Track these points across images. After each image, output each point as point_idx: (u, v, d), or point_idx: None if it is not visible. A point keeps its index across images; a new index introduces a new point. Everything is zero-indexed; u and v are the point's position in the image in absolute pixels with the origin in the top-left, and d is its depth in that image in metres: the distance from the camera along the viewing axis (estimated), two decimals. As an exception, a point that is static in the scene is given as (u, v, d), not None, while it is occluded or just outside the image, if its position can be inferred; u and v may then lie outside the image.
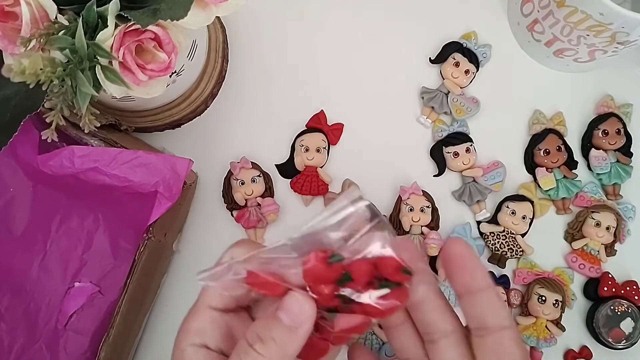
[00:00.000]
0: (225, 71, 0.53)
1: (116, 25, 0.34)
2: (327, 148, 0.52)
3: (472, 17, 0.56)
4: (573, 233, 0.53)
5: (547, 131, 0.53)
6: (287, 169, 0.53)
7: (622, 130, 0.53)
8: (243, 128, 0.53)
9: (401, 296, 0.29)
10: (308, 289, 0.28)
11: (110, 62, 0.34)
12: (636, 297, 0.51)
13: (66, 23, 0.33)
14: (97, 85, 0.34)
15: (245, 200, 0.51)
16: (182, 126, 0.52)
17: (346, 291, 0.28)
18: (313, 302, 0.28)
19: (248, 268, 0.29)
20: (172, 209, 0.43)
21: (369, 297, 0.28)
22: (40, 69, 0.31)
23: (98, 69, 0.34)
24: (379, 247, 0.29)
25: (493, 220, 0.52)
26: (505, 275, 0.52)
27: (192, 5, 0.34)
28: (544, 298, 0.50)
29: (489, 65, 0.55)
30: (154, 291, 0.50)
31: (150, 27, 0.34)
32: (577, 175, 0.53)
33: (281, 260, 0.28)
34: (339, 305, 0.29)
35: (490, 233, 0.52)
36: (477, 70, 0.54)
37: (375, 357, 0.36)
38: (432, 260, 0.51)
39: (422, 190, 0.52)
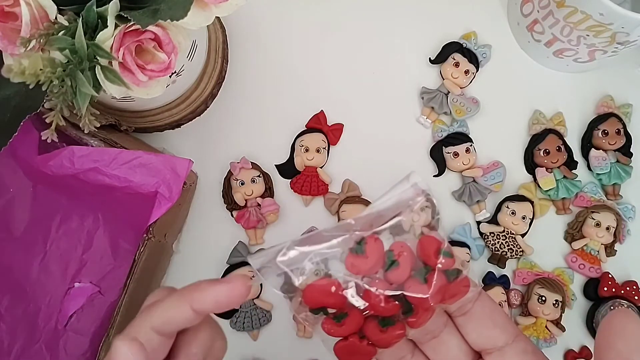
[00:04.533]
0: (225, 71, 0.53)
1: (116, 26, 0.34)
2: (327, 148, 0.52)
3: (472, 17, 0.56)
4: (573, 233, 0.53)
5: (547, 131, 0.53)
6: (287, 169, 0.53)
7: (622, 131, 0.53)
8: (243, 128, 0.53)
9: (462, 284, 0.29)
10: (365, 285, 0.29)
11: (110, 63, 0.34)
12: (636, 297, 0.51)
13: (66, 23, 0.33)
14: (97, 86, 0.34)
15: (245, 200, 0.51)
16: (182, 126, 0.52)
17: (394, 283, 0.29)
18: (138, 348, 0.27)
19: (303, 249, 0.29)
20: (172, 210, 0.43)
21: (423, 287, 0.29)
22: (40, 70, 0.31)
23: (98, 70, 0.34)
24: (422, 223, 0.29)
25: (493, 220, 0.52)
26: (505, 276, 0.52)
27: (192, 5, 0.34)
28: (544, 298, 0.50)
29: (489, 66, 0.55)
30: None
31: (150, 28, 0.34)
32: (577, 176, 0.53)
33: (338, 241, 0.29)
34: (392, 308, 0.29)
35: (490, 233, 0.52)
36: (477, 71, 0.54)
37: None
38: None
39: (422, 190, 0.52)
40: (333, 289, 0.29)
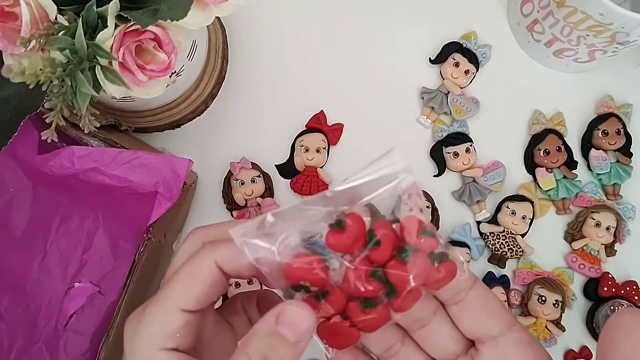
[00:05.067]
0: (225, 71, 0.53)
1: (116, 26, 0.34)
2: (327, 148, 0.52)
3: (472, 17, 0.56)
4: (573, 233, 0.53)
5: (547, 131, 0.53)
6: (287, 169, 0.53)
7: (622, 131, 0.53)
8: (243, 128, 0.53)
9: (448, 268, 0.29)
10: (345, 262, 0.28)
11: (110, 63, 0.34)
12: (636, 297, 0.51)
13: (66, 23, 0.33)
14: (97, 86, 0.34)
15: (245, 200, 0.51)
16: (182, 126, 0.52)
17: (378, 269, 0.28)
18: (312, 310, 0.27)
19: (283, 220, 0.28)
20: (172, 209, 0.43)
21: (408, 269, 0.28)
22: (40, 70, 0.31)
23: (98, 70, 0.34)
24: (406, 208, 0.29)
25: (493, 220, 0.52)
26: (505, 276, 0.52)
27: (192, 5, 0.34)
28: (544, 298, 0.50)
29: (489, 66, 0.55)
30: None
31: (150, 28, 0.34)
32: (577, 176, 0.53)
33: (315, 214, 0.28)
34: (375, 286, 0.28)
35: (490, 233, 0.52)
36: (477, 71, 0.54)
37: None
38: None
39: (422, 191, 0.52)
40: (314, 264, 0.28)
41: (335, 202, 0.29)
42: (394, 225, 0.29)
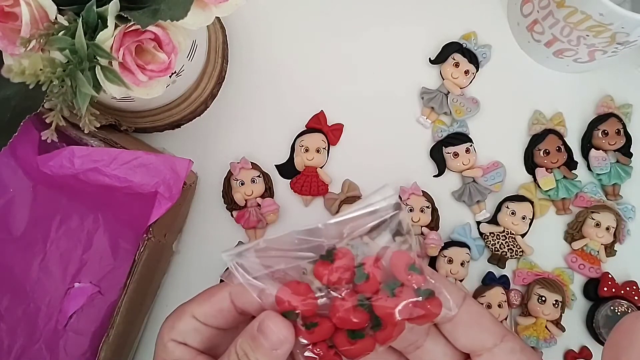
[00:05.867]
0: (225, 71, 0.53)
1: (116, 26, 0.34)
2: (327, 148, 0.52)
3: (472, 17, 0.56)
4: (573, 233, 0.53)
5: (547, 131, 0.53)
6: (287, 169, 0.53)
7: (621, 131, 0.53)
8: (243, 128, 0.53)
9: (433, 304, 0.30)
10: (333, 293, 0.29)
11: (110, 63, 0.34)
12: (636, 298, 0.51)
13: (66, 23, 0.33)
14: (97, 86, 0.34)
15: (245, 200, 0.51)
16: (182, 127, 0.52)
17: (369, 297, 0.29)
18: (291, 325, 0.29)
19: (272, 246, 0.29)
20: (172, 210, 0.43)
21: (395, 305, 0.29)
22: (40, 70, 0.31)
23: (98, 70, 0.34)
24: (392, 242, 0.30)
25: (493, 220, 0.52)
26: (505, 276, 0.52)
27: (192, 5, 0.34)
28: (544, 298, 0.50)
29: (489, 66, 0.55)
30: (154, 291, 0.50)
31: (150, 28, 0.34)
32: (577, 176, 0.53)
33: (308, 244, 0.29)
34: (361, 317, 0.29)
35: (490, 233, 0.52)
36: (477, 71, 0.54)
37: None
38: (432, 261, 0.52)
39: (422, 191, 0.52)
40: (303, 292, 0.29)
41: (328, 234, 0.30)
42: (382, 261, 0.30)
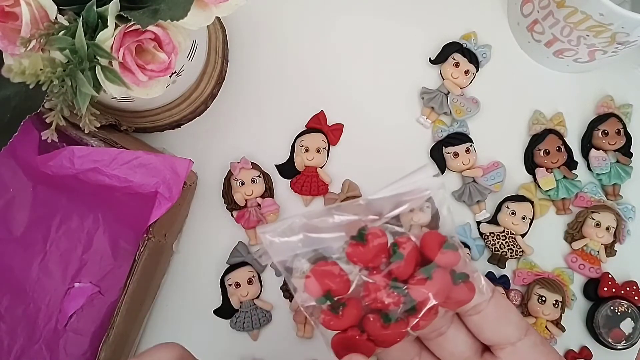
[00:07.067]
0: (225, 71, 0.53)
1: (116, 26, 0.34)
2: (327, 148, 0.52)
3: (472, 17, 0.56)
4: (573, 233, 0.53)
5: (547, 131, 0.53)
6: (287, 169, 0.53)
7: (622, 131, 0.53)
8: (243, 128, 0.53)
9: (468, 289, 0.29)
10: (363, 275, 0.28)
11: (110, 63, 0.34)
12: (636, 298, 0.51)
13: (66, 23, 0.33)
14: (97, 86, 0.34)
15: (245, 200, 0.51)
16: (182, 126, 0.52)
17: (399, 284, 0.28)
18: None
19: (311, 222, 0.28)
20: (172, 210, 0.43)
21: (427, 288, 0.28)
22: (40, 70, 0.31)
23: (98, 70, 0.34)
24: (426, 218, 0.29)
25: (493, 220, 0.52)
26: (505, 276, 0.52)
27: (192, 5, 0.34)
28: (544, 298, 0.50)
29: (489, 66, 0.55)
30: (154, 291, 0.50)
31: (150, 28, 0.34)
32: (577, 176, 0.53)
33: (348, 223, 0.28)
34: (393, 299, 0.28)
35: (490, 233, 0.52)
36: (477, 71, 0.54)
37: None
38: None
39: (422, 191, 0.52)
40: (337, 272, 0.28)
41: (367, 210, 0.29)
42: (417, 241, 0.29)
